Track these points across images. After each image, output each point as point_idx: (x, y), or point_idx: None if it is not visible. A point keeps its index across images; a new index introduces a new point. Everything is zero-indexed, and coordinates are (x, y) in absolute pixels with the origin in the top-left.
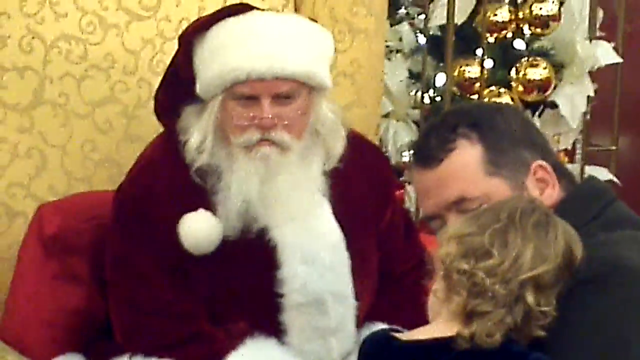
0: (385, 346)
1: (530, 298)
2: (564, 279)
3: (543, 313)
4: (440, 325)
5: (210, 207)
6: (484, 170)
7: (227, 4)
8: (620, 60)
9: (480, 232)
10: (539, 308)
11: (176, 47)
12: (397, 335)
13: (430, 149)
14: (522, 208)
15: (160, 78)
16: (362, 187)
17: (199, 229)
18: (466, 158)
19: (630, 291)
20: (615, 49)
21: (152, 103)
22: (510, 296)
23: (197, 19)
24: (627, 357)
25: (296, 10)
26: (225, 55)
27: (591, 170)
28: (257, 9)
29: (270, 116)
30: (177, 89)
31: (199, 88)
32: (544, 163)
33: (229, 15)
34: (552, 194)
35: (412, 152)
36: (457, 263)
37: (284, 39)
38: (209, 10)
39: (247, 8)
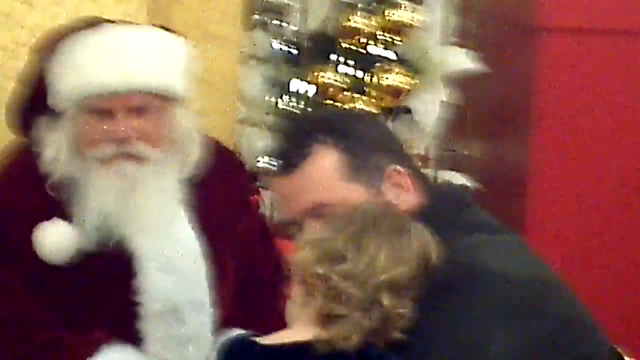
0: (245, 351)
1: (386, 301)
2: (420, 282)
3: (400, 316)
4: (299, 330)
5: (66, 218)
6: (341, 176)
7: (80, 11)
8: (473, 66)
9: (335, 236)
10: (395, 311)
11: (27, 55)
12: (257, 339)
13: (287, 155)
14: (376, 212)
15: (13, 84)
16: (219, 194)
17: (53, 239)
18: (322, 164)
19: (486, 295)
20: (468, 55)
21: (3, 110)
22: (366, 299)
23: (50, 31)
24: (487, 352)
25: (149, 15)
26: (78, 70)
27: (445, 175)
28: (110, 21)
29: (124, 129)
30: (29, 100)
31: (52, 100)
32: (399, 168)
33: (82, 29)
34: (408, 198)
35: (268, 158)
36: (313, 267)
37: (137, 53)
38: (63, 16)
39: (100, 21)
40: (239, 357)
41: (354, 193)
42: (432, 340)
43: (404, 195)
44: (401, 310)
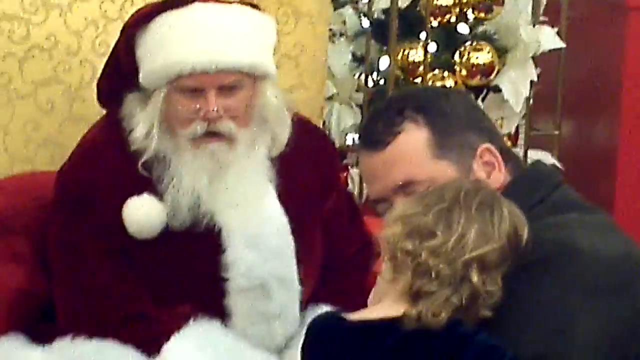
0: (333, 326)
1: (475, 278)
2: (510, 259)
3: (489, 293)
4: (387, 306)
5: (155, 194)
6: (431, 153)
7: None
8: (563, 45)
9: (425, 213)
10: (484, 288)
11: (119, 28)
12: (344, 315)
13: (377, 132)
14: (466, 189)
15: (103, 59)
16: (308, 171)
17: (142, 214)
18: (412, 141)
19: (577, 272)
20: (558, 34)
21: (94, 84)
22: (455, 276)
23: (140, 9)
24: (573, 336)
25: None
26: (168, 48)
27: (534, 155)
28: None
29: (215, 108)
30: (119, 76)
31: (142, 78)
32: (490, 146)
33: (172, 7)
34: (498, 176)
35: (358, 135)
36: (402, 243)
37: (226, 31)
38: None
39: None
40: (327, 333)
41: (444, 170)
42: (519, 318)
43: (495, 173)
44: (490, 288)
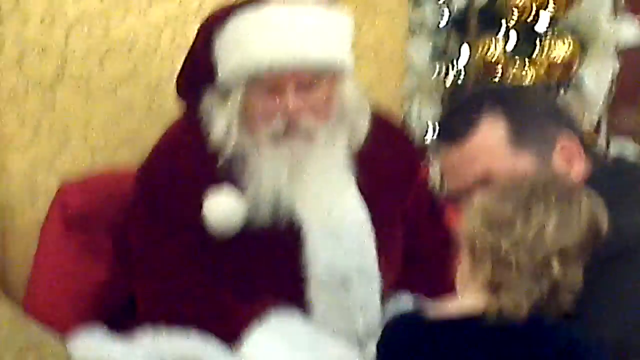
0: (412, 322)
1: (556, 269)
2: (590, 250)
3: (570, 284)
4: (467, 299)
5: (234, 191)
6: (510, 146)
7: None
8: None
9: (504, 204)
10: (565, 279)
11: (197, 26)
12: (424, 312)
13: (457, 126)
14: (545, 180)
15: (181, 56)
16: (387, 166)
17: (222, 210)
18: (492, 134)
19: None
20: None
21: (173, 81)
22: (536, 267)
23: (217, 9)
24: None
25: None
26: (247, 47)
27: (616, 144)
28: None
29: (294, 104)
30: (197, 74)
31: (220, 76)
32: (570, 138)
33: (250, 8)
34: (579, 168)
35: (438, 129)
36: (482, 235)
37: (304, 29)
38: None
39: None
40: (408, 328)
41: (523, 162)
42: (600, 310)
43: (575, 165)
44: (571, 279)
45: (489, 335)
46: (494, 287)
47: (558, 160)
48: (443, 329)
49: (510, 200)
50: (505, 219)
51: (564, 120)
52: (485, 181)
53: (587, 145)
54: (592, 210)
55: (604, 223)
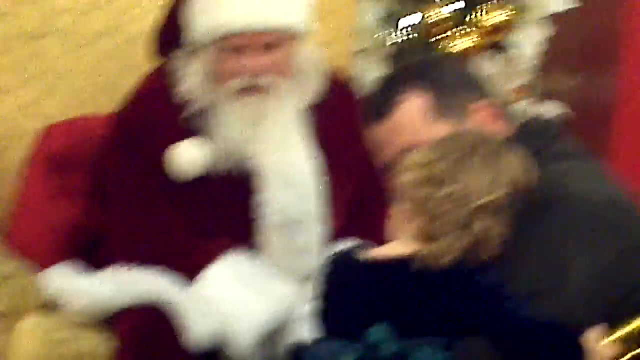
0: (350, 262)
1: (482, 222)
2: (514, 205)
3: (497, 235)
4: (400, 246)
5: (200, 139)
6: (430, 119)
7: None
8: (571, 6)
9: (438, 161)
10: (490, 232)
11: None
12: (359, 254)
13: (382, 104)
14: (476, 139)
15: (158, 14)
16: (335, 121)
17: (187, 157)
18: (413, 110)
19: (575, 215)
20: None
21: (147, 38)
22: (464, 220)
23: None
24: (565, 283)
25: None
26: (216, 11)
27: (547, 104)
28: None
29: (257, 64)
30: (171, 33)
31: (190, 37)
32: (486, 104)
33: None
34: (493, 131)
35: (367, 106)
36: (418, 189)
37: None
38: None
39: None
40: (345, 268)
41: (442, 131)
42: (521, 257)
43: (488, 128)
44: (495, 231)
45: (416, 279)
46: (424, 237)
47: (475, 124)
48: (371, 270)
49: (445, 158)
50: (439, 175)
51: (478, 89)
52: (410, 150)
53: (510, 108)
54: (519, 166)
55: (530, 178)
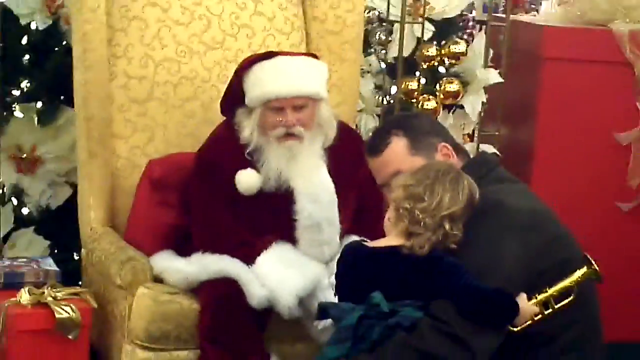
0: (356, 250)
1: (447, 226)
2: (468, 213)
3: (455, 234)
4: (391, 240)
5: (255, 168)
6: (409, 153)
7: (265, 42)
8: (502, 80)
9: (417, 184)
10: (452, 232)
11: (234, 68)
12: (364, 243)
13: (375, 145)
14: (443, 169)
15: (224, 87)
16: (346, 155)
17: (247, 180)
18: (397, 148)
19: (507, 221)
20: (500, 73)
21: (218, 102)
22: (435, 224)
23: (246, 58)
24: (501, 265)
25: (306, 46)
26: (263, 83)
27: (484, 147)
28: (284, 53)
29: (291, 119)
30: (232, 98)
31: (247, 101)
32: (446, 144)
33: (266, 58)
34: (454, 162)
35: (365, 147)
36: (402, 203)
37: (298, 72)
38: (255, 45)
39: (276, 53)
40: (354, 254)
41: (419, 162)
42: (469, 247)
43: (450, 161)
44: (455, 232)
45: (402, 261)
46: (408, 234)
47: (440, 158)
48: (374, 255)
49: (422, 182)
50: (418, 194)
51: (441, 133)
52: (395, 176)
53: (458, 147)
54: (470, 188)
55: (477, 195)
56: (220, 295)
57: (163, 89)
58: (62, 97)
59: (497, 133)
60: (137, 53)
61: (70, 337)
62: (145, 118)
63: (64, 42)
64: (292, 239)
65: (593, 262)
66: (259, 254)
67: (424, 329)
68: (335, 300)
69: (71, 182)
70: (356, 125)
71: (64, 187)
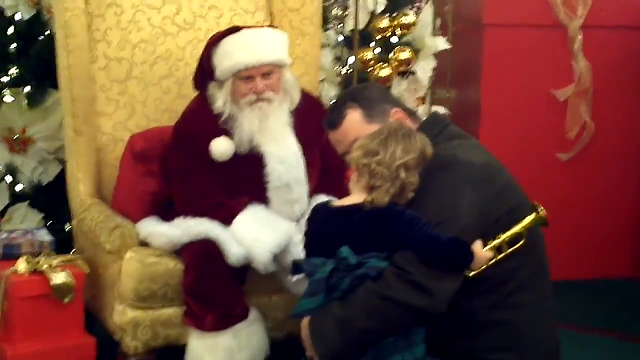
0: (323, 209)
1: (403, 174)
2: (421, 166)
3: (412, 183)
4: (354, 197)
5: (228, 136)
6: (365, 122)
7: (232, 21)
8: (449, 46)
9: (372, 141)
10: (408, 180)
11: (204, 46)
12: (330, 202)
13: (333, 118)
14: (395, 126)
15: (196, 64)
16: (310, 120)
17: (221, 146)
18: (353, 118)
19: (461, 175)
20: (447, 40)
21: (192, 78)
22: (392, 175)
23: (214, 34)
24: (458, 215)
25: (270, 22)
26: (232, 56)
27: (436, 108)
28: (247, 27)
29: (261, 86)
30: (204, 73)
31: (218, 74)
32: (397, 109)
33: (231, 32)
34: (408, 124)
35: (325, 123)
36: (361, 160)
37: (263, 42)
38: (223, 25)
39: (240, 28)
40: (322, 213)
41: (373, 129)
42: (427, 200)
43: (406, 124)
44: (412, 180)
45: (366, 216)
46: (369, 189)
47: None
48: (340, 213)
49: (376, 139)
50: (374, 150)
51: (392, 100)
52: (353, 143)
53: (410, 111)
54: (421, 141)
55: (429, 150)
56: (202, 255)
57: (141, 69)
58: (48, 81)
59: (447, 95)
60: (115, 36)
61: (65, 300)
62: (125, 96)
63: (47, 30)
64: (264, 199)
65: (540, 209)
66: (235, 215)
67: (389, 277)
68: (304, 255)
69: (60, 158)
70: (319, 95)
71: (54, 164)
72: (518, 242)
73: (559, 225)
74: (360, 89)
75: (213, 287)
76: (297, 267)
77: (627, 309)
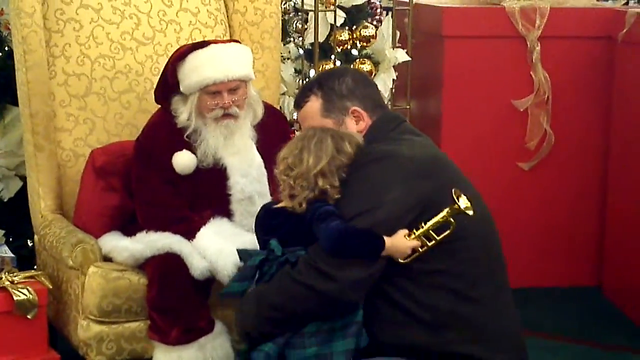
0: (265, 210)
1: (320, 182)
2: (344, 163)
3: (332, 186)
4: (283, 202)
5: (191, 150)
6: (321, 114)
7: (192, 36)
8: (409, 58)
9: (290, 155)
10: (327, 185)
11: (164, 60)
12: (271, 206)
13: (299, 98)
14: (309, 134)
15: (156, 78)
16: (272, 132)
17: (184, 160)
18: (312, 106)
19: (396, 165)
20: (407, 52)
21: (152, 92)
22: (310, 185)
23: (178, 49)
24: (382, 199)
25: (230, 36)
26: (199, 71)
27: None
28: (214, 41)
29: (227, 101)
30: (166, 87)
31: (183, 89)
32: (358, 107)
33: (198, 47)
34: (365, 124)
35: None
36: (281, 176)
37: (230, 58)
38: (183, 39)
39: (207, 43)
40: (263, 213)
41: (328, 123)
42: (354, 188)
43: (361, 123)
44: (328, 185)
45: (291, 217)
46: (290, 197)
47: (350, 121)
48: (274, 213)
49: (292, 152)
50: (291, 165)
51: (359, 97)
52: None
53: (373, 110)
54: (334, 143)
55: (349, 148)
56: (166, 269)
57: (100, 84)
58: (7, 97)
59: (408, 107)
60: (74, 52)
61: (29, 316)
62: (85, 112)
63: (6, 47)
64: (227, 212)
65: (461, 199)
66: (198, 229)
67: (300, 264)
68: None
69: (21, 174)
70: (280, 107)
71: (15, 180)
72: (446, 231)
73: (522, 233)
74: (333, 77)
75: (177, 301)
76: (242, 256)
77: (594, 317)
